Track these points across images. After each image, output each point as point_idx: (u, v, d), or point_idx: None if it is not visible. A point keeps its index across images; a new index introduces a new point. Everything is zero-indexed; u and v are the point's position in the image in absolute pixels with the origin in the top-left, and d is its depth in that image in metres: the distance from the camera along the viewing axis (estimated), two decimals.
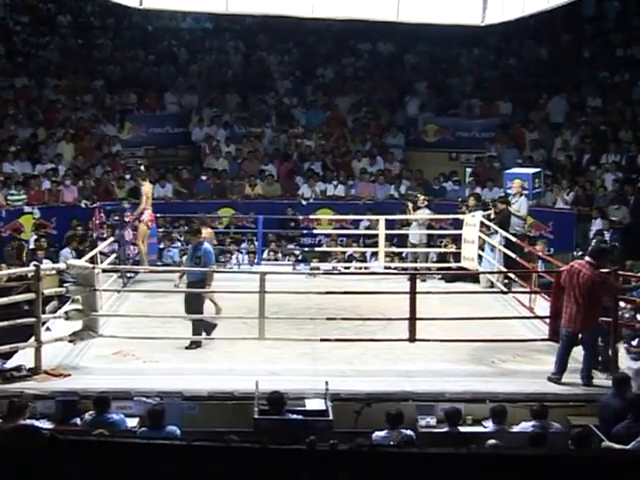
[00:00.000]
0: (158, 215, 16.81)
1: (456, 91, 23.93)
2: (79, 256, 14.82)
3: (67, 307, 12.05)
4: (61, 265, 12.50)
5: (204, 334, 11.98)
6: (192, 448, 3.49)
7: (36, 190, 19.24)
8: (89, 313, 11.43)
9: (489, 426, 9.73)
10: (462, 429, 9.63)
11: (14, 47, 24.49)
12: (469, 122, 22.72)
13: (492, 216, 15.56)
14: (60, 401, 10.04)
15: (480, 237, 15.35)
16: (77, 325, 11.49)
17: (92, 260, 12.91)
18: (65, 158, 20.51)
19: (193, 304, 12.06)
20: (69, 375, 10.81)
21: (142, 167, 16.98)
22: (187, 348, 11.88)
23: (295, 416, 9.37)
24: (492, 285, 14.86)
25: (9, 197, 18.83)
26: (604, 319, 10.79)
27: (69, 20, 25.85)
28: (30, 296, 11.20)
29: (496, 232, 15.11)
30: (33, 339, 11.00)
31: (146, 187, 15.79)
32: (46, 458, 3.42)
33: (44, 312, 11.69)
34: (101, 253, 14.41)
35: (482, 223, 15.37)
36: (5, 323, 10.88)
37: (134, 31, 25.75)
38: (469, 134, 22.51)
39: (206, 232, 14.59)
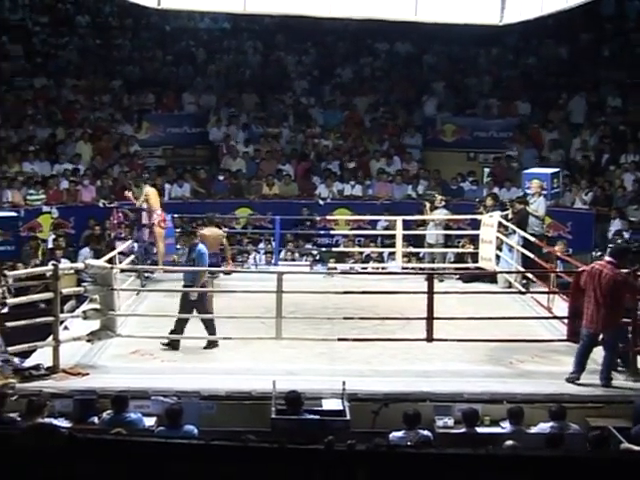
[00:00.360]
0: (176, 215, 16.83)
1: (474, 91, 23.89)
2: (97, 256, 14.88)
3: (85, 306, 12.10)
4: (79, 264, 12.56)
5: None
6: (205, 447, 3.50)
7: (54, 190, 19.35)
8: (107, 312, 11.47)
9: (507, 427, 9.71)
10: (479, 430, 9.61)
11: (33, 47, 24.63)
12: (487, 122, 22.66)
13: (510, 216, 15.52)
14: (78, 400, 10.06)
15: (498, 237, 15.32)
16: (95, 324, 11.54)
17: (110, 260, 12.95)
18: (83, 158, 20.59)
19: (187, 305, 12.03)
20: (87, 374, 10.86)
21: (145, 175, 17.11)
22: (205, 348, 11.91)
23: (312, 416, 9.37)
24: (510, 285, 14.82)
25: (28, 197, 18.93)
26: (624, 320, 10.74)
27: (88, 20, 25.95)
28: (48, 295, 11.26)
29: (514, 232, 15.08)
30: (51, 338, 11.06)
31: (147, 190, 15.75)
32: (64, 456, 3.44)
33: (62, 311, 11.74)
34: (120, 253, 14.47)
35: (500, 223, 15.34)
36: (24, 322, 10.94)
37: (152, 31, 25.83)
38: (487, 134, 22.45)
39: (210, 231, 14.53)
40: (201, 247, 12.40)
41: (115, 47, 25.30)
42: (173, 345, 11.87)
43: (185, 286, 12.30)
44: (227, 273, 15.00)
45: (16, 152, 20.25)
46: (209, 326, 11.96)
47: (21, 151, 20.38)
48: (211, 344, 11.91)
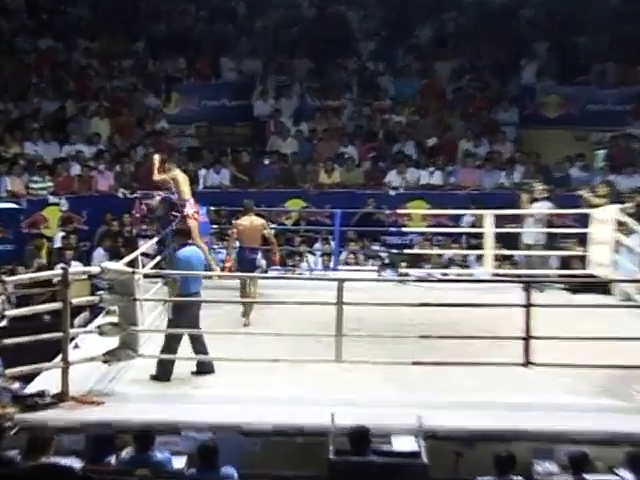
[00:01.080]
0: (212, 208, 16.85)
1: (585, 53, 23.68)
2: (115, 258, 15.00)
3: (100, 320, 12.24)
4: (94, 269, 12.68)
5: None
6: None
7: (64, 176, 19.54)
8: (127, 327, 11.58)
9: (625, 475, 9.62)
10: (590, 478, 9.54)
11: (36, 1, 24.90)
12: (601, 92, 22.47)
13: (630, 210, 15.39)
14: (91, 435, 10.19)
15: (614, 237, 15.20)
16: (113, 342, 11.66)
17: (132, 263, 13.04)
18: (99, 137, 20.77)
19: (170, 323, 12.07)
20: (102, 403, 10.98)
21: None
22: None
23: (380, 458, 9.38)
24: (629, 297, 14.69)
25: (31, 185, 19.11)
26: None
27: None
28: (56, 306, 11.39)
29: (635, 231, 14.96)
30: (59, 358, 11.19)
31: (175, 174, 15.45)
32: None
33: (72, 325, 11.87)
34: (143, 254, 14.59)
35: (617, 219, 15.22)
36: (26, 339, 11.07)
37: None
38: (601, 107, 22.25)
39: (247, 221, 14.48)
40: (186, 251, 12.28)
41: (137, 0, 25.52)
42: (207, 369, 12.00)
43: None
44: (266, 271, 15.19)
45: (16, 130, 20.52)
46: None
47: (23, 129, 20.63)
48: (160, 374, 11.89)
